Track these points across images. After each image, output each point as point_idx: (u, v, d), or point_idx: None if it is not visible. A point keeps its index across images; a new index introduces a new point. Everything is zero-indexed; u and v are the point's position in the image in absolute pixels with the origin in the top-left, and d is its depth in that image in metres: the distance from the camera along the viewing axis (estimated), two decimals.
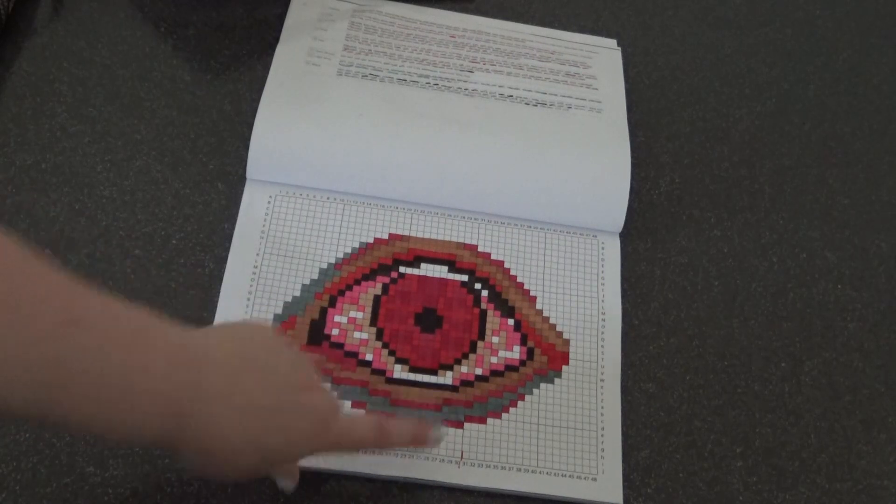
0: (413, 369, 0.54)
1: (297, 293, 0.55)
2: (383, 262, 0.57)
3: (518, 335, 0.56)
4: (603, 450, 0.53)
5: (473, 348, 0.55)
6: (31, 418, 0.38)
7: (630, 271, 0.60)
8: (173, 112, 0.61)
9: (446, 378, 0.54)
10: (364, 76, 0.62)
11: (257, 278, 0.55)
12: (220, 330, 0.46)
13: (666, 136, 0.67)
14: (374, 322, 0.55)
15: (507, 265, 0.59)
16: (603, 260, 0.60)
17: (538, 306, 0.57)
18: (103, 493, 0.48)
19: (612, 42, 0.69)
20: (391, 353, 0.54)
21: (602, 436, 0.54)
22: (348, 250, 0.58)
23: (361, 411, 0.52)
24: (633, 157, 0.62)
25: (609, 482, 0.52)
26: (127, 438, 0.39)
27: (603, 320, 0.58)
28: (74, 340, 0.32)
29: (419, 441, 0.48)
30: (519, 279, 0.58)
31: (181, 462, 0.40)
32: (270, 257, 0.56)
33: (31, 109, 0.60)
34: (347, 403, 0.52)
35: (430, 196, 0.59)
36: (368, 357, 0.54)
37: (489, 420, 0.53)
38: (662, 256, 0.61)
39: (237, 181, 0.59)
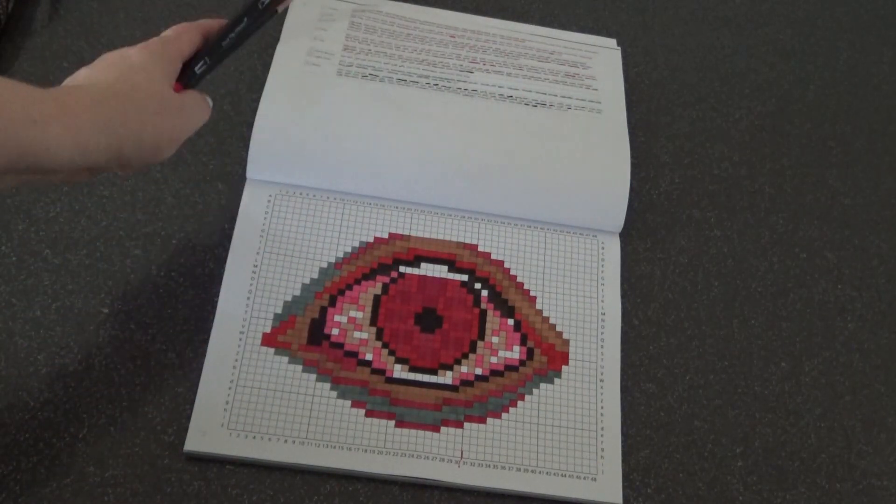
0: (413, 369, 0.54)
1: (297, 292, 0.55)
2: (383, 262, 0.57)
3: (518, 335, 0.56)
4: (603, 450, 0.53)
5: (473, 348, 0.55)
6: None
7: (630, 271, 0.60)
8: None
9: (446, 378, 0.54)
10: (364, 76, 0.62)
11: (257, 278, 0.55)
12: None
13: (666, 136, 0.67)
14: (374, 322, 0.55)
15: (507, 265, 0.59)
16: (603, 260, 0.60)
17: (538, 306, 0.57)
18: (103, 493, 0.48)
19: (612, 42, 0.69)
20: (391, 352, 0.54)
21: (602, 436, 0.54)
22: (348, 249, 0.58)
23: (362, 410, 0.52)
24: (633, 157, 0.62)
25: (609, 482, 0.52)
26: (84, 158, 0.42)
27: (603, 320, 0.58)
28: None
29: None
30: (519, 279, 0.58)
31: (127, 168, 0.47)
32: (270, 257, 0.56)
33: None
34: (348, 403, 0.52)
35: (429, 196, 0.59)
36: (368, 357, 0.54)
37: (489, 420, 0.53)
38: (662, 256, 0.61)
39: (237, 181, 0.59)
